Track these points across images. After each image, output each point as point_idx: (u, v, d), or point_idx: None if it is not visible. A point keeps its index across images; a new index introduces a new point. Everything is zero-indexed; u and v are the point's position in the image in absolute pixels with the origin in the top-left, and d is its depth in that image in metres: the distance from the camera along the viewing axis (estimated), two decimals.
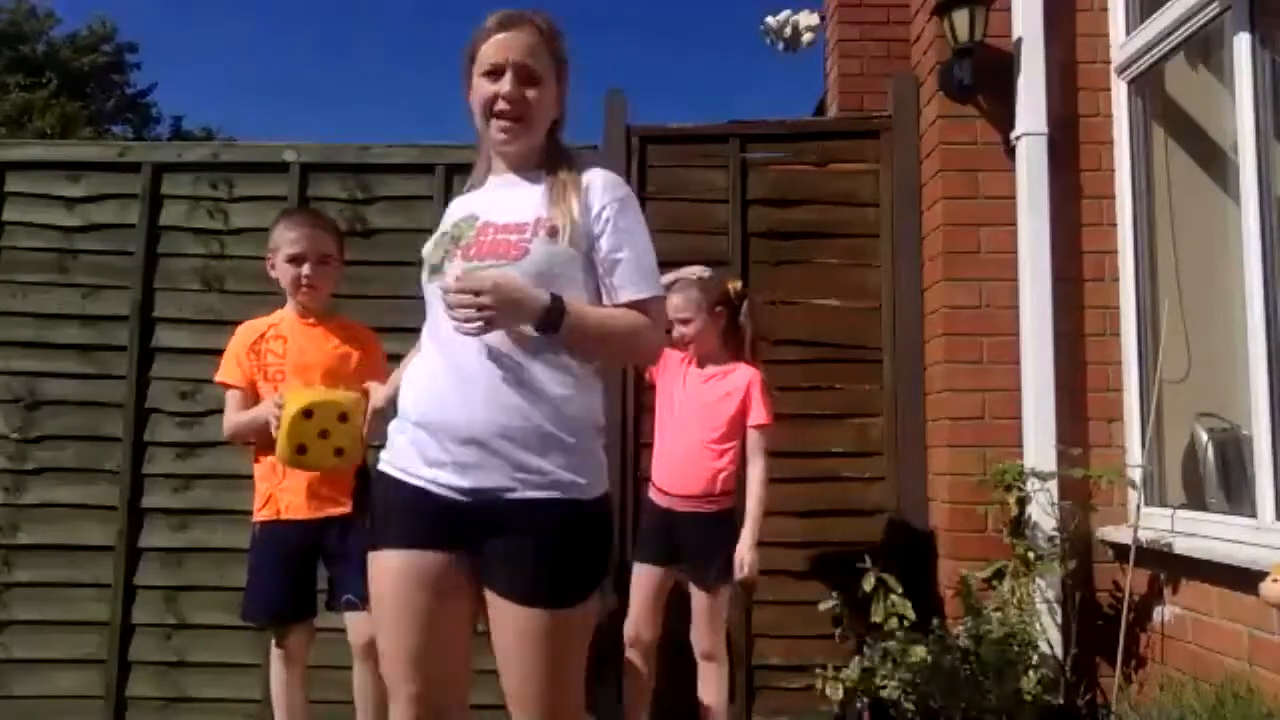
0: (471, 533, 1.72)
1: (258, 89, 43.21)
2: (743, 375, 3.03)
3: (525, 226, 1.75)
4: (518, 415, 1.68)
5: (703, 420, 3.00)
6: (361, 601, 2.69)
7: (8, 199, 3.97)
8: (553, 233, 1.73)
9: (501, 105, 1.79)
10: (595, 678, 3.60)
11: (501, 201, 1.82)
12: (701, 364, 3.08)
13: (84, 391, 3.85)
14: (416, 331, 3.64)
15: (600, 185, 1.81)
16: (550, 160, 1.86)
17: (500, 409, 1.69)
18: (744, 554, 2.92)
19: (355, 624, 2.75)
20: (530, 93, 1.80)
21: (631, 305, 1.79)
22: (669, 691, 3.16)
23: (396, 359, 3.05)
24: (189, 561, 3.76)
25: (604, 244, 1.78)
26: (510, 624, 1.74)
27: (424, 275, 1.84)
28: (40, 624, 3.75)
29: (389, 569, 1.76)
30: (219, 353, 3.68)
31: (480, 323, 1.63)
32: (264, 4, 43.11)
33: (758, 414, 2.99)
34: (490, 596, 1.76)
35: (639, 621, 3.06)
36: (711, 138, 3.91)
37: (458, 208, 1.92)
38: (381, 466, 1.82)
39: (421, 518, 1.74)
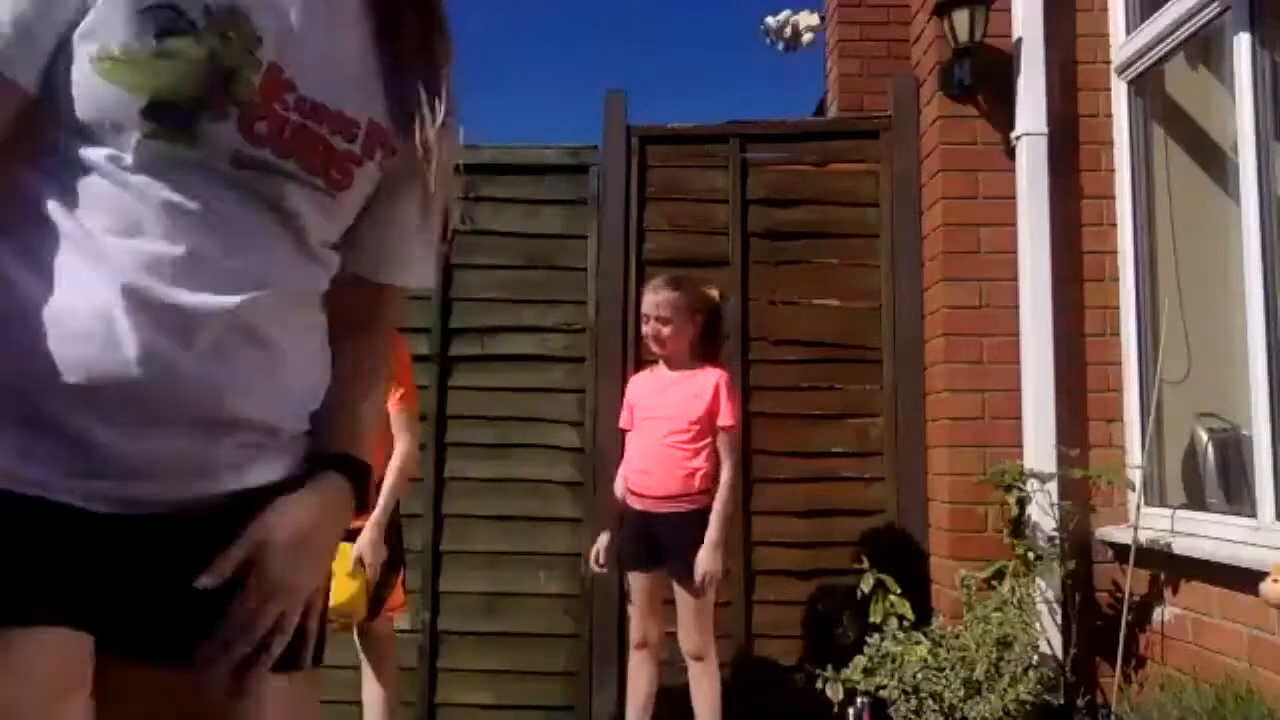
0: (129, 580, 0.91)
1: None
2: (710, 377, 3.04)
3: (354, 128, 0.99)
4: (260, 372, 0.95)
5: (673, 421, 3.01)
6: (370, 615, 2.74)
7: None
8: (389, 155, 1.02)
9: None
10: (592, 680, 3.62)
11: (310, 36, 0.97)
12: (671, 365, 3.10)
13: None
14: (416, 331, 3.68)
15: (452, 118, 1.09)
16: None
17: (233, 360, 0.92)
18: (702, 559, 2.90)
19: (365, 633, 2.81)
20: None
21: (392, 288, 1.12)
22: (663, 692, 3.16)
23: None
24: None
25: (404, 188, 1.06)
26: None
27: (115, 91, 0.88)
28: None
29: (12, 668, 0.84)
30: None
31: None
32: None
33: (725, 416, 3.00)
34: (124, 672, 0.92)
35: (643, 624, 3.08)
36: (711, 138, 3.91)
37: None
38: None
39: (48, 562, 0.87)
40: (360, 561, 2.64)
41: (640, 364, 3.55)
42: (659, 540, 3.00)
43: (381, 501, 2.74)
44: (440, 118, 1.04)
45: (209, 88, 0.90)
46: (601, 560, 3.11)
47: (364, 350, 1.10)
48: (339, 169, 0.98)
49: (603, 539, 3.11)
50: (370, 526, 2.69)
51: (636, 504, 3.05)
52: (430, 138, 1.03)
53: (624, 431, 3.21)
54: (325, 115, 0.97)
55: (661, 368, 3.15)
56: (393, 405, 2.83)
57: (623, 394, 3.38)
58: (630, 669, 3.13)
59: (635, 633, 3.11)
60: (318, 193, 0.97)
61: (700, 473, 2.99)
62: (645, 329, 3.09)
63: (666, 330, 3.04)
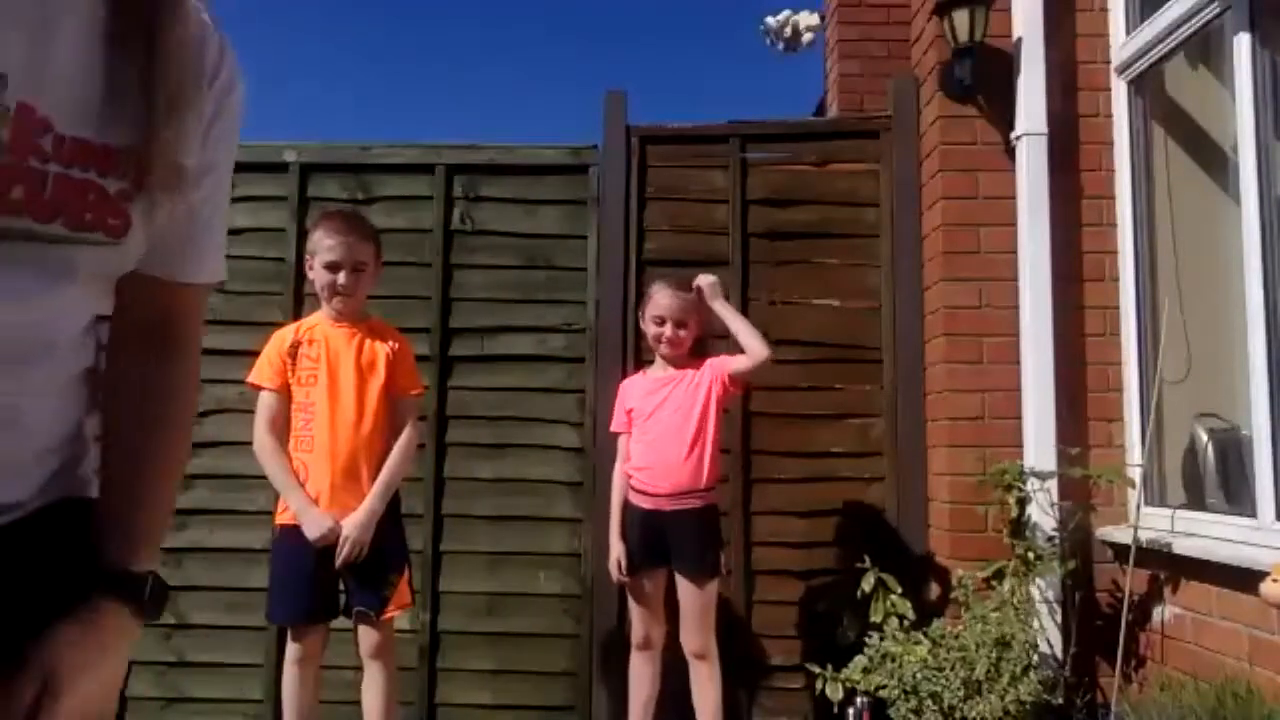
0: None
1: (258, 91, 43.19)
2: (701, 366, 3.10)
3: (118, 160, 0.85)
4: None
5: (679, 418, 3.03)
6: (375, 613, 2.73)
7: None
8: (165, 190, 0.89)
9: None
10: (592, 680, 3.62)
11: (60, 57, 0.83)
12: (675, 365, 3.12)
13: None
14: (416, 331, 3.69)
15: (231, 70, 0.96)
16: None
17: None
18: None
19: (366, 634, 2.78)
20: None
21: (199, 288, 1.01)
22: (663, 692, 3.16)
23: None
24: (188, 561, 3.76)
25: (200, 180, 0.94)
26: None
27: None
28: None
29: None
30: (220, 353, 3.68)
31: None
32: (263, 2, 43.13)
33: (726, 367, 3.06)
34: None
35: (647, 625, 3.08)
36: (711, 138, 3.91)
37: None
38: None
39: None
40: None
41: (640, 364, 3.55)
42: (667, 539, 3.00)
43: (378, 488, 2.75)
44: (177, 115, 0.88)
45: None
46: (624, 569, 3.09)
47: (174, 401, 1.00)
48: (114, 214, 0.84)
49: (619, 547, 3.10)
50: (362, 510, 2.72)
51: (646, 503, 3.05)
52: (171, 139, 0.88)
53: (616, 434, 3.22)
54: (91, 154, 0.82)
55: (654, 369, 3.18)
56: (408, 394, 2.91)
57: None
58: (632, 669, 3.13)
59: (638, 633, 3.11)
60: (98, 247, 0.85)
61: (708, 468, 3.02)
62: (661, 330, 3.08)
63: (683, 333, 3.07)
